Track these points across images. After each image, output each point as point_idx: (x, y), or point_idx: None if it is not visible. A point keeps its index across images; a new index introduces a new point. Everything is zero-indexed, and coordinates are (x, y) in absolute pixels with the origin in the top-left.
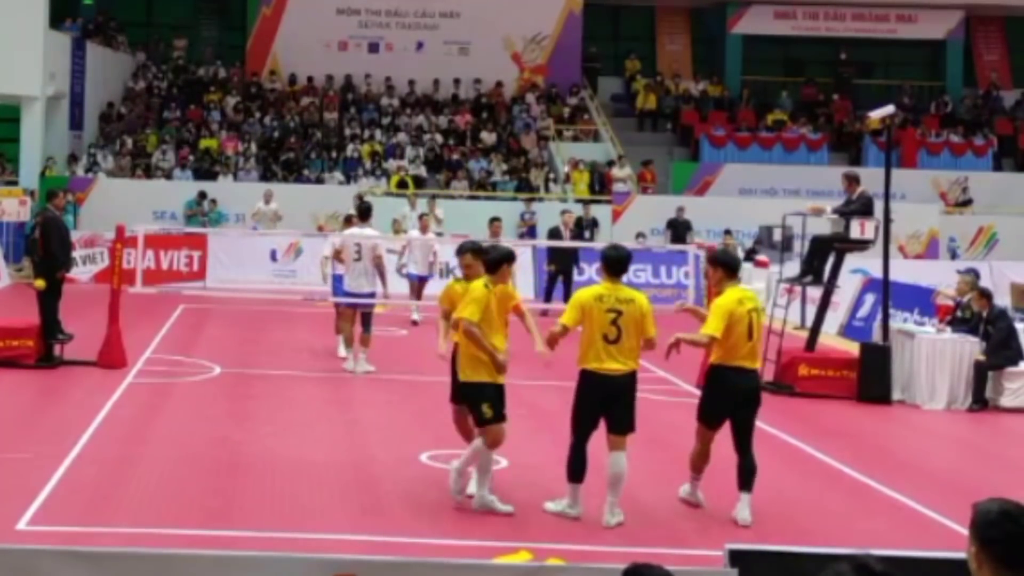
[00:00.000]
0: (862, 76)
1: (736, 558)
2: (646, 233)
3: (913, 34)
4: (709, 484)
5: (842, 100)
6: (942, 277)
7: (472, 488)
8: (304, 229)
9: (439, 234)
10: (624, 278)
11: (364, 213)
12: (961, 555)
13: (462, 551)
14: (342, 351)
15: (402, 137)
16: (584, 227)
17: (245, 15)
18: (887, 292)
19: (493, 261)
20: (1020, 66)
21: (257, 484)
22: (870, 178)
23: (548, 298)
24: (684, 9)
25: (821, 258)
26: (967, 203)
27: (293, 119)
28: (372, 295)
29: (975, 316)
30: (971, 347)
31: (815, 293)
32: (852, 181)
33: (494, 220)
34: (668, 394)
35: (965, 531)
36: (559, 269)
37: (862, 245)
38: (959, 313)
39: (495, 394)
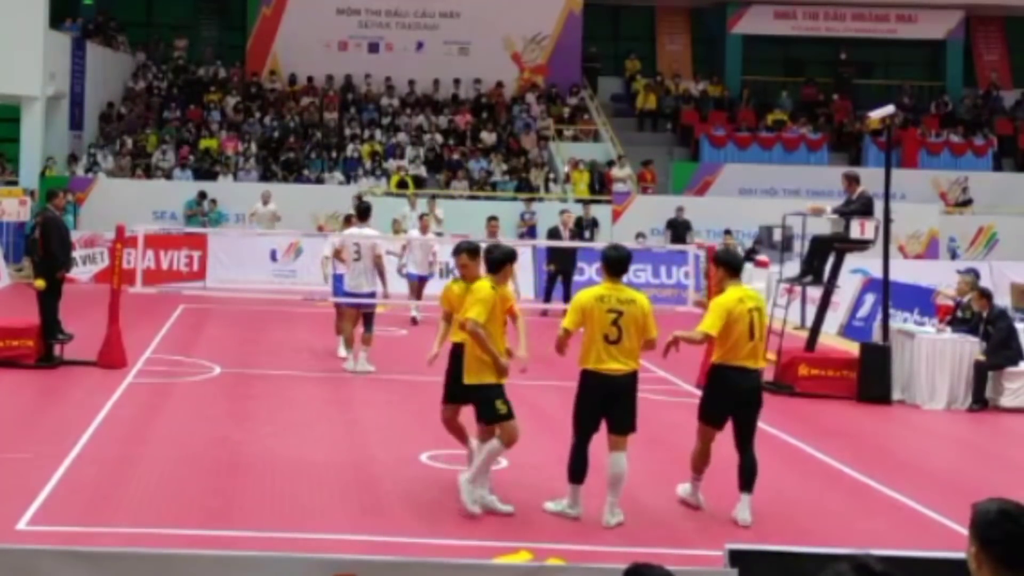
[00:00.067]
0: (862, 76)
1: (736, 558)
2: (646, 233)
3: (913, 34)
4: (709, 484)
5: (842, 100)
6: (942, 277)
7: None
8: (304, 229)
9: (439, 234)
10: (624, 278)
11: (363, 213)
12: (961, 555)
13: (462, 551)
14: (342, 351)
15: (402, 137)
16: (584, 227)
17: (245, 15)
18: (887, 292)
19: (496, 261)
20: (1020, 66)
21: (257, 484)
22: (870, 178)
23: (548, 298)
24: (684, 9)
25: (821, 258)
26: (967, 203)
27: (293, 119)
28: (372, 295)
29: (975, 316)
30: (971, 347)
31: (815, 293)
32: (852, 181)
33: (491, 219)
34: (668, 394)
35: (965, 531)
36: (559, 269)
37: (862, 245)
38: (959, 313)
39: (504, 392)
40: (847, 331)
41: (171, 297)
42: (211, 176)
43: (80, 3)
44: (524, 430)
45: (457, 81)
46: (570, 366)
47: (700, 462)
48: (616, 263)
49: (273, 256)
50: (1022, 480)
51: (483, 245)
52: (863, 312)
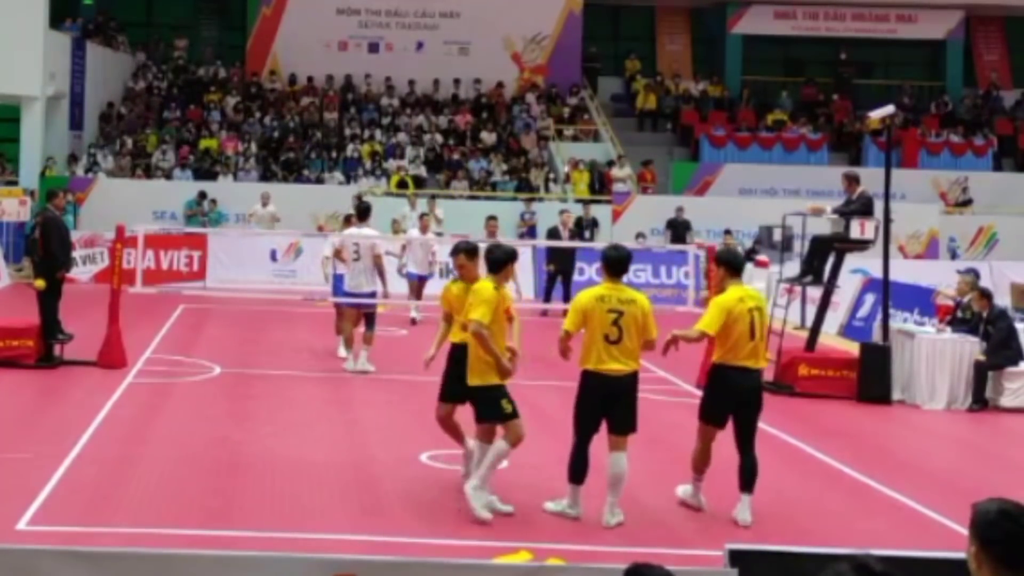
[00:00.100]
0: (862, 76)
1: (736, 558)
2: (646, 233)
3: (913, 34)
4: (709, 484)
5: (842, 100)
6: (942, 277)
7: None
8: (304, 229)
9: (439, 234)
10: (624, 278)
11: (363, 213)
12: (961, 555)
13: (462, 551)
14: (342, 351)
15: (402, 137)
16: (584, 227)
17: (245, 15)
18: (887, 292)
19: (498, 261)
20: (1020, 66)
21: (257, 484)
22: (870, 178)
23: (547, 298)
24: (684, 9)
25: (821, 258)
26: (967, 203)
27: (293, 119)
28: (373, 295)
29: (975, 316)
30: (971, 347)
31: (815, 293)
32: (852, 181)
33: (490, 219)
34: (668, 394)
35: (965, 531)
36: (558, 269)
37: (862, 245)
38: (959, 313)
39: (508, 392)
40: (847, 331)
41: (171, 297)
42: (211, 176)
43: (80, 3)
44: (524, 430)
45: (457, 81)
46: (570, 366)
47: (701, 462)
48: (616, 263)
49: (273, 256)
50: (1022, 480)
51: (482, 245)
52: (863, 312)
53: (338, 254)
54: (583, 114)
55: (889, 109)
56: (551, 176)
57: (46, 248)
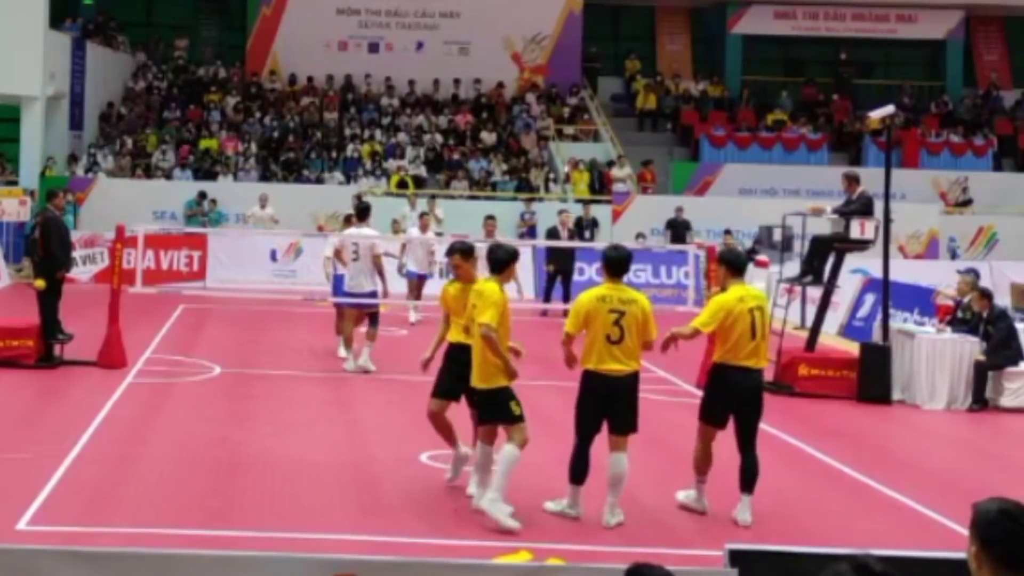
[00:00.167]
0: (862, 76)
1: (736, 558)
2: (646, 233)
3: (913, 34)
4: (710, 485)
5: (842, 100)
6: (942, 277)
7: (472, 488)
8: (304, 229)
9: (439, 234)
10: (624, 278)
11: (362, 213)
12: (961, 555)
13: (462, 551)
14: (342, 351)
15: (402, 137)
16: (584, 227)
17: (245, 15)
18: (887, 292)
19: (500, 261)
20: (1020, 66)
21: (257, 484)
22: (870, 178)
23: (547, 298)
24: (684, 9)
25: (821, 258)
26: (967, 203)
27: (293, 119)
28: (373, 294)
29: (975, 316)
30: (971, 347)
31: (815, 293)
32: (852, 181)
33: (489, 219)
34: (668, 394)
35: (965, 531)
36: (558, 269)
37: (862, 245)
38: (959, 313)
39: (515, 394)
40: (847, 331)
41: (171, 297)
42: (211, 176)
43: (80, 3)
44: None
45: (457, 81)
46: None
47: (702, 463)
48: (617, 263)
49: (273, 256)
50: (1022, 480)
51: (481, 245)
52: (863, 312)
53: (339, 254)
54: (583, 114)
55: (889, 109)
56: (551, 176)
57: (46, 248)
